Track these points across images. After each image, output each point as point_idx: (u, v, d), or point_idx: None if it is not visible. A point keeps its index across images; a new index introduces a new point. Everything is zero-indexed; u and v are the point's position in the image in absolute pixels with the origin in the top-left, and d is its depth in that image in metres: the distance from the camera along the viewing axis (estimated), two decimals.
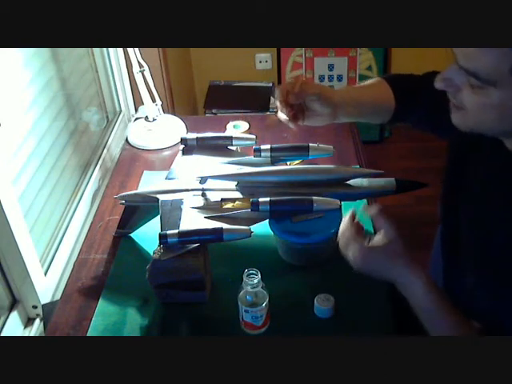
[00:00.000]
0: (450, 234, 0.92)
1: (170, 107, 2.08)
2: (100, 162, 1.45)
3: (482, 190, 0.80)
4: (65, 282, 1.11)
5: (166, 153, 1.50)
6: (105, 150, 1.50)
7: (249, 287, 0.91)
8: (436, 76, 0.98)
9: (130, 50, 1.44)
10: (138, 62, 1.46)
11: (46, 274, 1.11)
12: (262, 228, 1.04)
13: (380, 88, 1.00)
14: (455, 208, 0.87)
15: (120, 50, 1.59)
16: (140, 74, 1.47)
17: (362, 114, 1.01)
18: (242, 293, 0.93)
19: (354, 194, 1.06)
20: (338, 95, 0.95)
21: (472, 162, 0.83)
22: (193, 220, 1.00)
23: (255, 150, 1.13)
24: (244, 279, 0.91)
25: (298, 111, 0.94)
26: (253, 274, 0.92)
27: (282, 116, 0.95)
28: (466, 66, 0.66)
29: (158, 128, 1.55)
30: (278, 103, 0.94)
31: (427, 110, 0.99)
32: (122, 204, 1.12)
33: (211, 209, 1.04)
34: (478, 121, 0.71)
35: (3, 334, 0.97)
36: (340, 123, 1.53)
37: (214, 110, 2.46)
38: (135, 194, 1.11)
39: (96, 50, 1.54)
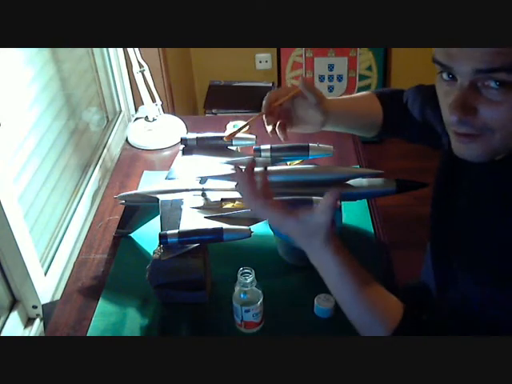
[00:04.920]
0: (441, 239, 0.92)
1: (170, 107, 2.08)
2: (100, 162, 1.45)
3: (476, 200, 0.79)
4: (65, 282, 1.11)
5: (166, 153, 1.50)
6: (105, 150, 1.50)
7: (241, 286, 0.92)
8: (422, 90, 0.97)
9: (130, 50, 1.44)
10: (138, 62, 1.46)
11: (46, 274, 1.11)
12: (262, 228, 1.04)
13: (370, 101, 1.00)
14: (446, 215, 0.86)
15: (120, 50, 1.59)
16: (140, 73, 1.47)
17: (350, 125, 1.01)
18: (236, 291, 0.93)
19: (354, 194, 1.06)
20: (331, 104, 0.94)
21: (464, 175, 0.80)
22: (193, 220, 1.00)
23: (255, 150, 1.13)
24: (238, 278, 0.92)
25: (285, 118, 0.94)
26: (247, 272, 0.92)
27: (268, 128, 0.95)
28: (491, 65, 0.59)
29: (157, 128, 1.55)
30: (263, 109, 0.93)
31: (416, 126, 0.98)
32: (122, 204, 1.12)
33: (211, 209, 1.04)
34: (506, 136, 0.63)
35: (3, 334, 0.97)
36: None
37: (213, 110, 2.46)
38: (135, 193, 1.11)
39: (96, 50, 1.54)
